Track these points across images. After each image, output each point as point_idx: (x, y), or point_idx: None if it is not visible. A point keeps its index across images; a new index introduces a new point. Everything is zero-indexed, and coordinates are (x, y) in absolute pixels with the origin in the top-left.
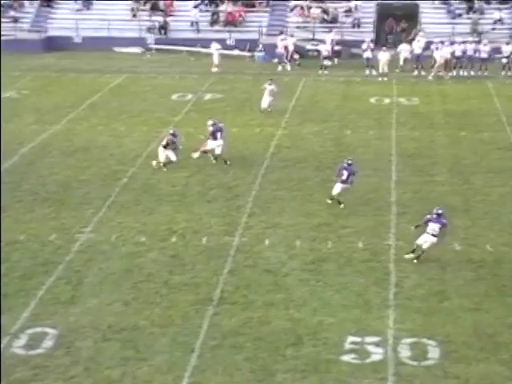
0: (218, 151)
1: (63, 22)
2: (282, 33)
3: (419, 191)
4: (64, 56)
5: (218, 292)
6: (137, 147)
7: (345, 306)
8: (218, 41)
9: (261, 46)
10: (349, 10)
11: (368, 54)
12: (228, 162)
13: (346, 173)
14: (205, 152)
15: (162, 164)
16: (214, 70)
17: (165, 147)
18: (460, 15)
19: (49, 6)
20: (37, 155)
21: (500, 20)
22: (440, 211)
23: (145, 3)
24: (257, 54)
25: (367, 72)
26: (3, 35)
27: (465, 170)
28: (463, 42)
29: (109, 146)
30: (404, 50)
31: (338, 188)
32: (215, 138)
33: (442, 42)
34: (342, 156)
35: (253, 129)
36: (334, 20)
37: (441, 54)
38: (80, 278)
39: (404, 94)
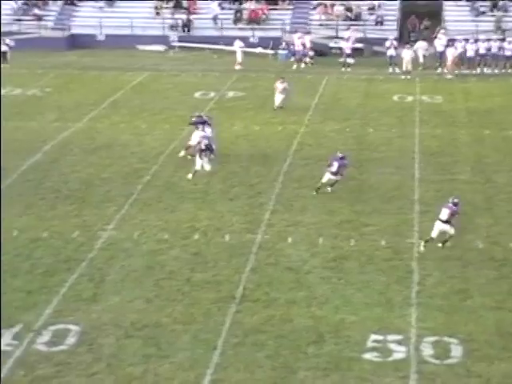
0: (202, 145)
1: (87, 20)
2: (296, 31)
3: (442, 189)
4: (86, 54)
5: (240, 290)
6: (158, 145)
7: (367, 304)
8: (241, 38)
9: (284, 43)
10: (372, 8)
11: (391, 52)
12: (189, 157)
13: (336, 164)
14: (188, 148)
15: (193, 172)
16: (237, 67)
17: (200, 153)
18: (484, 13)
19: (72, 3)
20: (59, 153)
21: None
22: (456, 200)
23: (168, 1)
24: (280, 51)
25: (390, 70)
26: (28, 33)
27: (487, 169)
28: (487, 40)
29: (130, 144)
30: (420, 48)
31: (326, 177)
32: (198, 129)
33: (467, 40)
34: (363, 154)
35: (275, 127)
36: (358, 18)
37: (452, 53)
38: (102, 275)
39: (427, 92)
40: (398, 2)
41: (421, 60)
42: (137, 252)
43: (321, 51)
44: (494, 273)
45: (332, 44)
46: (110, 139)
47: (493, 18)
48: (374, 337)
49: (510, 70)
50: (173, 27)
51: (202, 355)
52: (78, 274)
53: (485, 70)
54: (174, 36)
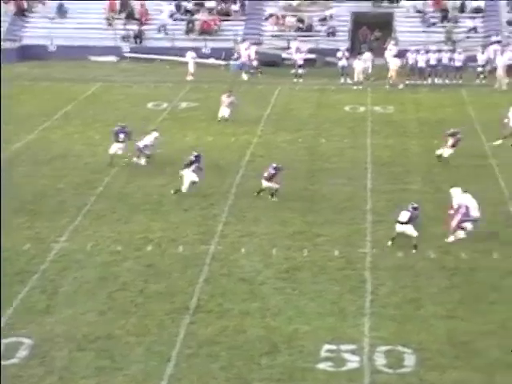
0: (119, 152)
1: (38, 30)
2: (244, 41)
3: (393, 199)
4: (37, 65)
5: (194, 301)
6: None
7: (320, 314)
8: (194, 49)
9: (236, 54)
10: (324, 19)
11: (343, 63)
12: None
13: (270, 171)
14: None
15: (180, 189)
16: (189, 78)
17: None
18: (434, 24)
19: (23, 15)
20: (11, 164)
21: (474, 29)
22: (416, 205)
23: (120, 12)
24: (232, 62)
25: (342, 80)
26: None
27: (437, 179)
28: (438, 51)
29: (83, 155)
30: (366, 59)
31: (264, 185)
32: (117, 141)
33: (418, 51)
34: (316, 165)
35: (228, 137)
36: (309, 29)
37: (394, 63)
38: (55, 287)
39: (378, 103)
40: (349, 13)
41: (369, 71)
42: (90, 264)
43: (273, 62)
44: (445, 282)
45: (284, 55)
46: (64, 150)
47: (443, 29)
48: (327, 347)
49: (460, 81)
50: (125, 38)
51: (156, 367)
52: (30, 286)
53: (436, 80)
54: (125, 47)
